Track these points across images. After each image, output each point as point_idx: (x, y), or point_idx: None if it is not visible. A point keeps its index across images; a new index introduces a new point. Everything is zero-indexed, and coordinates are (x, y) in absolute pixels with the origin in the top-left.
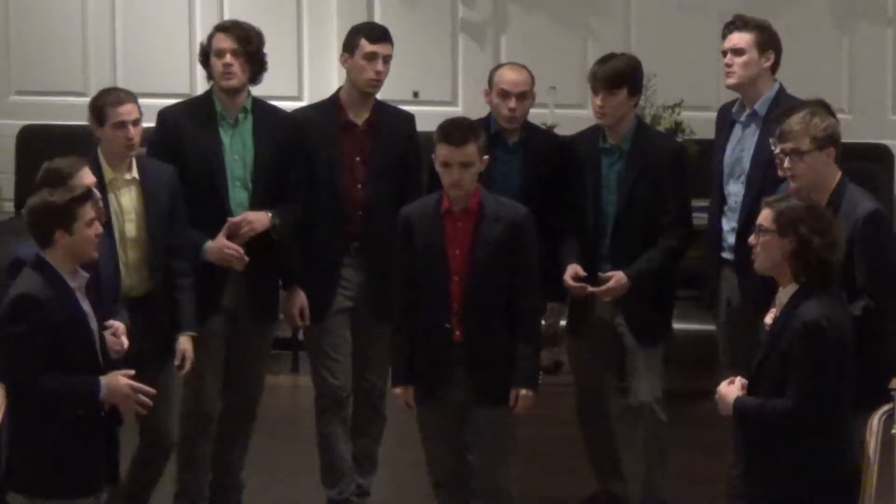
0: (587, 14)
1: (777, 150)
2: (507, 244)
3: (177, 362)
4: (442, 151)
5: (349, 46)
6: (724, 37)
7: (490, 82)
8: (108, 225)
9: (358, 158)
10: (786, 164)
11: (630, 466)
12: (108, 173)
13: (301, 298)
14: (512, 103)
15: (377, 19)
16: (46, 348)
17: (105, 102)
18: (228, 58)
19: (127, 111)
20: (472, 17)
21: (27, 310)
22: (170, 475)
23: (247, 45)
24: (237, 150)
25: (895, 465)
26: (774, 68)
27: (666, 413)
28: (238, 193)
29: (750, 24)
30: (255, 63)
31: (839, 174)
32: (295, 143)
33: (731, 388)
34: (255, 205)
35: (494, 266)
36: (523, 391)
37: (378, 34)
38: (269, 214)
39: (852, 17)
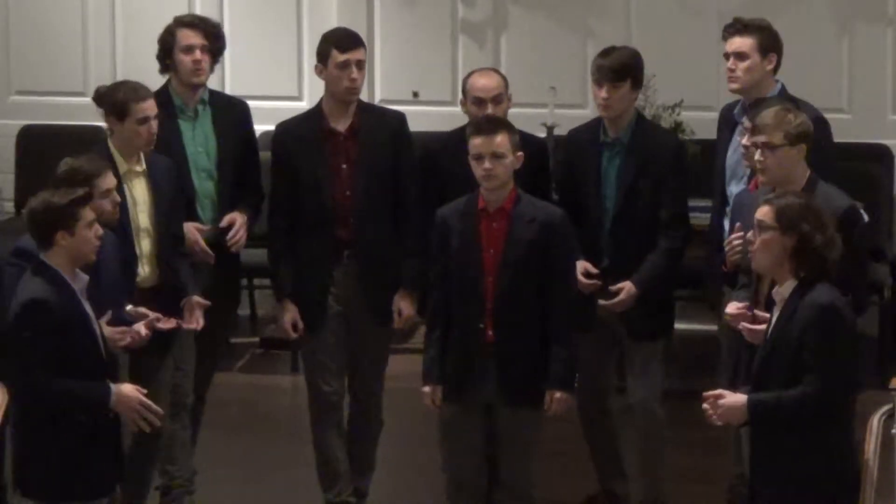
0: (587, 14)
1: (744, 141)
2: (542, 245)
3: (190, 325)
4: (474, 143)
5: (322, 57)
6: (724, 39)
7: (463, 91)
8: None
9: (344, 165)
10: (756, 156)
11: (631, 466)
12: (123, 165)
13: (292, 312)
14: (488, 109)
15: (377, 19)
16: (55, 352)
17: (127, 98)
18: (198, 54)
19: (150, 106)
20: (472, 17)
21: (35, 314)
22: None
23: (214, 41)
24: (200, 141)
25: (895, 465)
26: (776, 69)
27: (664, 411)
28: (204, 184)
29: (751, 26)
30: (217, 58)
31: (809, 172)
32: (252, 130)
33: (735, 395)
34: (221, 195)
35: (527, 267)
36: (558, 394)
37: (348, 42)
38: (244, 215)
39: (852, 17)
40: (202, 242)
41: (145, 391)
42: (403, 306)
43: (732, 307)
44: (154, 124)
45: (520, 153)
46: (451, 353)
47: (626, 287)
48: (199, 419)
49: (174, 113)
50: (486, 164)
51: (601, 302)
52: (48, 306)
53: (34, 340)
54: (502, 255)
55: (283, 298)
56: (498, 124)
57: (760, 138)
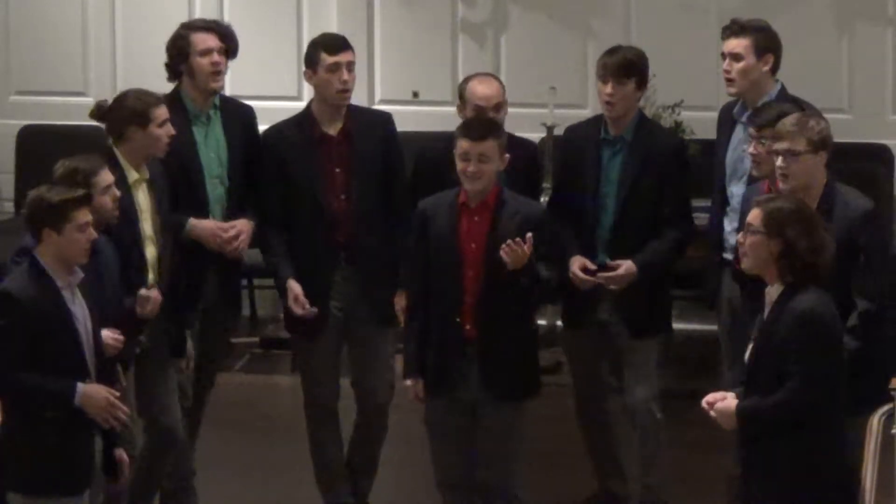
0: (587, 14)
1: (750, 149)
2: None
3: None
4: (462, 145)
5: (311, 62)
6: (722, 40)
7: (461, 97)
8: (117, 227)
9: (338, 170)
10: (779, 163)
11: (630, 466)
12: (132, 174)
13: (296, 289)
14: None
15: (377, 19)
16: (23, 346)
17: (147, 104)
18: (217, 57)
19: (165, 110)
20: (472, 17)
21: (5, 306)
22: None
23: (230, 43)
24: (212, 147)
25: (895, 465)
26: (775, 69)
27: (662, 412)
28: (216, 190)
29: (746, 28)
30: (231, 59)
31: (827, 177)
32: (258, 135)
33: (728, 402)
34: (231, 200)
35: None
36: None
37: (337, 45)
38: (252, 223)
39: (852, 17)
40: (225, 236)
41: (117, 394)
42: (401, 311)
43: None
44: (170, 127)
45: (506, 155)
46: (430, 348)
47: (626, 265)
48: (200, 420)
49: (188, 119)
50: (472, 168)
51: (600, 275)
52: (16, 299)
53: (1, 332)
54: (485, 250)
55: (286, 280)
56: (488, 129)
57: (783, 145)
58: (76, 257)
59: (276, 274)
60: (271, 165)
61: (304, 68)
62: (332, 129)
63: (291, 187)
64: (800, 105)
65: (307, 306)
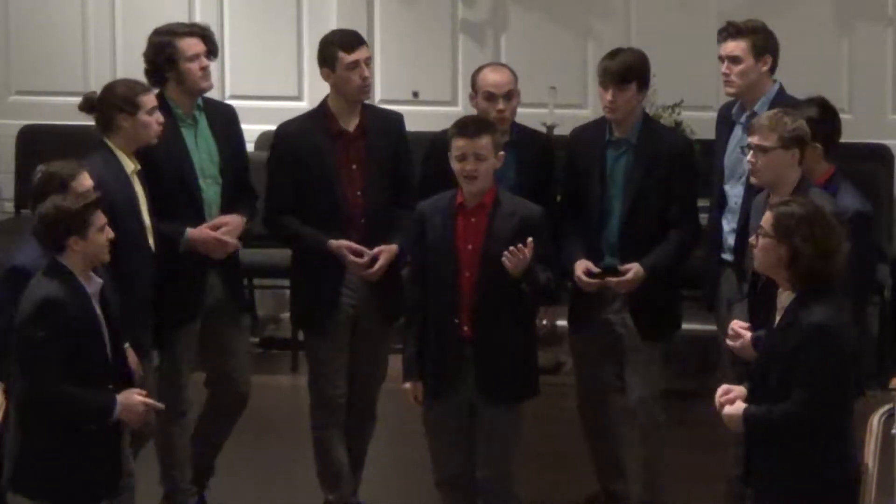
0: (587, 14)
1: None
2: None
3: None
4: (457, 144)
5: (327, 61)
6: (718, 43)
7: (473, 86)
8: (123, 218)
9: (354, 166)
10: (749, 157)
11: (631, 466)
12: (129, 165)
13: (342, 243)
14: (500, 105)
15: (377, 19)
16: (66, 355)
17: (136, 91)
18: (204, 60)
19: (153, 98)
20: (472, 17)
21: (51, 314)
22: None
23: (211, 45)
24: (203, 148)
25: (895, 465)
26: (773, 69)
27: (664, 412)
28: (210, 189)
29: (743, 30)
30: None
31: (800, 174)
32: (241, 132)
33: (736, 406)
34: (224, 198)
35: None
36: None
37: (353, 42)
38: (243, 218)
39: (852, 17)
40: (219, 235)
41: (145, 392)
42: (384, 255)
43: (738, 324)
44: (160, 115)
45: (501, 153)
46: (428, 351)
47: (635, 269)
48: (237, 419)
49: (175, 122)
50: (469, 167)
51: (608, 279)
52: (63, 307)
53: (47, 342)
54: (482, 250)
55: (324, 245)
56: (482, 126)
57: (754, 139)
58: (101, 257)
59: (315, 246)
60: (285, 160)
61: (319, 67)
62: (349, 125)
63: (306, 183)
64: (824, 106)
65: (364, 251)
